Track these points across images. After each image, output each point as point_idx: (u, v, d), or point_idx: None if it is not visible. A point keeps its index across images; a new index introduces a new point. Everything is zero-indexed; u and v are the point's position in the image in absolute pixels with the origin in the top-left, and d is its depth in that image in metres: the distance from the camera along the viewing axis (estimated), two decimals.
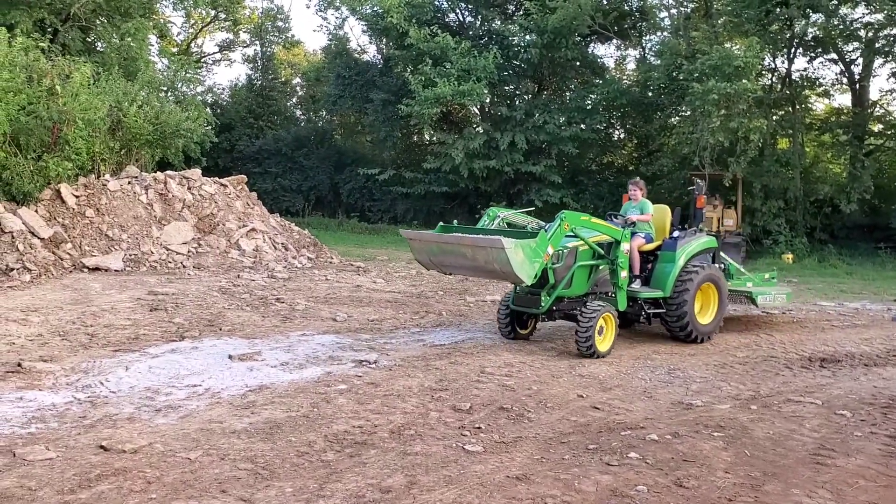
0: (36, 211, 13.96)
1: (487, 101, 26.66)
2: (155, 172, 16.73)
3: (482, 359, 8.22)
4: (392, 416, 6.20)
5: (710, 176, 21.21)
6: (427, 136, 29.80)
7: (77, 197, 14.81)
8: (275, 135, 32.33)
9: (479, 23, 28.38)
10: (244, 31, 35.61)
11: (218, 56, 37.02)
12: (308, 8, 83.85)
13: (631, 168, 27.56)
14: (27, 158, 13.99)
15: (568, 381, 7.49)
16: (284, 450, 5.36)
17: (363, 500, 4.55)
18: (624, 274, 8.80)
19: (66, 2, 21.36)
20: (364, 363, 7.89)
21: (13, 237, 12.93)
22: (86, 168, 15.52)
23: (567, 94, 28.17)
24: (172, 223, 15.62)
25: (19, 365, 7.41)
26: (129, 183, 15.74)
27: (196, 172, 17.04)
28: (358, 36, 47.97)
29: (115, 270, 13.46)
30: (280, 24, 35.13)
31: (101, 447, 5.25)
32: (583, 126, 25.05)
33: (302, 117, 37.37)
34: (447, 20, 28.70)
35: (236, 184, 17.99)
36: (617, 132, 29.27)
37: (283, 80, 36.63)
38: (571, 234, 8.41)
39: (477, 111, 28.24)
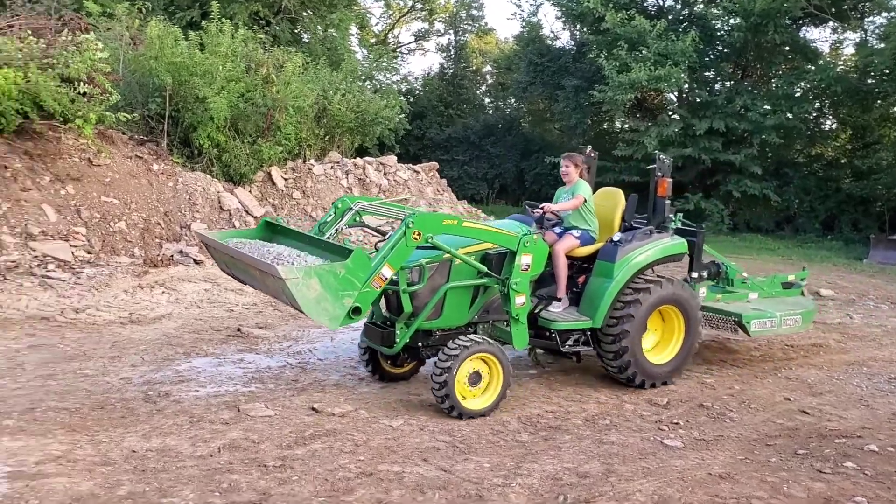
0: (250, 191, 15.11)
1: (685, 86, 25.54)
2: (354, 158, 17.57)
3: None
4: (585, 404, 6.15)
5: None
6: (618, 124, 29.12)
7: (286, 179, 15.88)
8: (464, 123, 32.88)
9: (679, 6, 27.28)
10: (439, 21, 36.48)
11: (413, 45, 38.24)
12: None
13: (843, 161, 25.46)
14: (244, 142, 15.13)
15: (773, 383, 7.07)
16: (479, 427, 5.47)
17: (560, 482, 4.55)
18: (521, 300, 5.93)
19: None
20: None
21: (230, 214, 14.08)
22: (293, 152, 16.57)
23: (773, 80, 26.43)
24: None
25: (239, 330, 8.09)
26: (332, 167, 16.65)
27: (392, 159, 17.73)
28: (551, 22, 47.89)
29: None
30: (474, 12, 35.70)
31: (313, 409, 5.62)
32: (789, 115, 23.41)
33: (490, 105, 37.77)
34: (645, 4, 27.81)
35: (428, 170, 18.52)
36: (828, 122, 27.09)
37: (473, 68, 37.18)
38: (428, 244, 5.61)
39: (673, 97, 27.20)
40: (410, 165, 18.19)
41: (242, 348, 7.41)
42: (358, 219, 6.26)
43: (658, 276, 6.66)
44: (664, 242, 6.78)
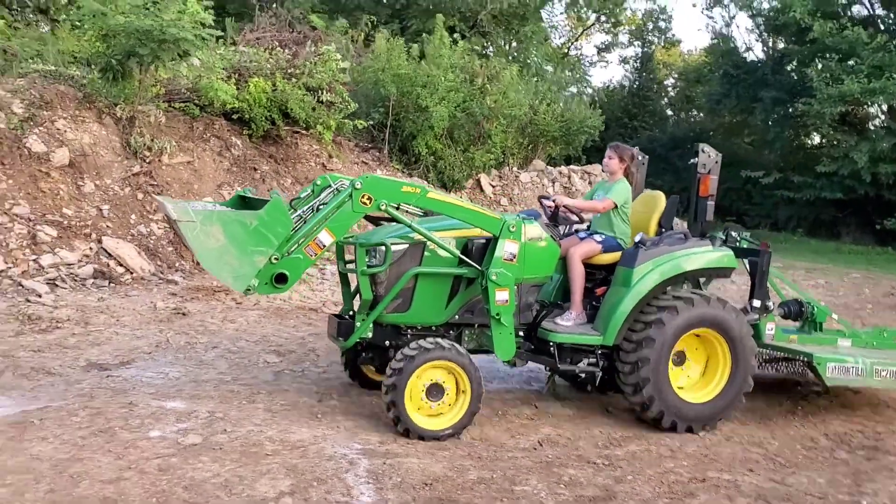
0: (461, 197, 15.49)
1: None
2: (560, 166, 17.64)
3: None
4: (891, 424, 5.82)
5: None
6: (817, 138, 27.56)
7: (493, 186, 16.20)
8: (649, 135, 32.22)
9: (893, 17, 25.51)
10: (623, 33, 36.08)
11: (595, 58, 38.02)
12: (694, 6, 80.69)
13: None
14: (457, 150, 15.56)
15: None
16: (787, 441, 5.32)
17: None
18: (502, 296, 4.90)
19: (474, 10, 23.39)
20: None
21: None
22: (499, 160, 16.87)
23: None
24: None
25: None
26: (537, 175, 16.82)
27: (597, 168, 17.68)
28: (744, 34, 46.28)
29: None
30: (661, 24, 35.05)
31: (608, 411, 5.65)
32: None
33: (673, 118, 36.86)
34: (851, 13, 26.23)
35: None
36: None
37: (658, 80, 36.44)
38: (385, 215, 4.92)
39: (881, 112, 25.44)
40: None
41: None
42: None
43: (691, 293, 5.39)
44: (703, 251, 5.46)
